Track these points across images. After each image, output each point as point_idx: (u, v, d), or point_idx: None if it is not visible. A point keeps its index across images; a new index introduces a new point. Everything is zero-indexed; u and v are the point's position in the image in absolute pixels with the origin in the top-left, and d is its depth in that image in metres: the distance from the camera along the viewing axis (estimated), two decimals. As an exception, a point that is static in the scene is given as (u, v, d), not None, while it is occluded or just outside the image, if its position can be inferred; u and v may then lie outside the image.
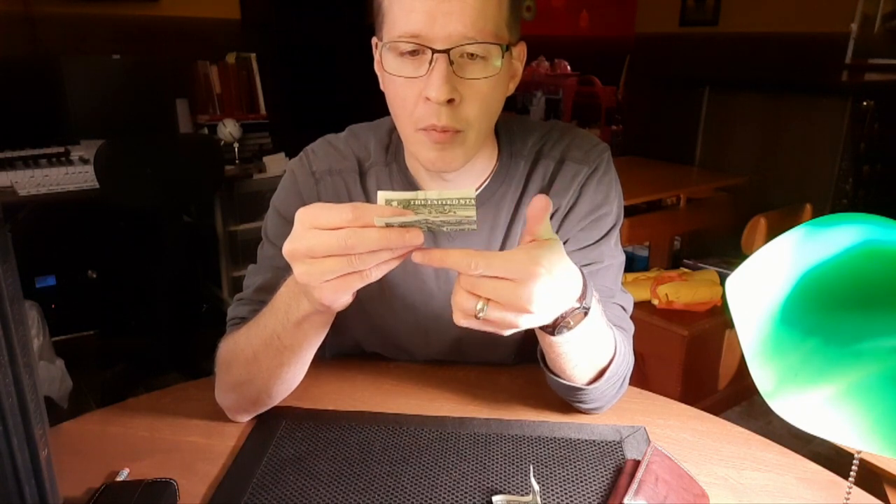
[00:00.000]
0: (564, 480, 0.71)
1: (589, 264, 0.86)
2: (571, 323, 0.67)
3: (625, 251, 0.92)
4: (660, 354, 2.14)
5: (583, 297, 0.65)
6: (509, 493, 0.69)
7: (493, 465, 0.73)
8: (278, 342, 0.72)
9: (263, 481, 0.71)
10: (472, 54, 0.73)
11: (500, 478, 0.71)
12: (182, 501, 0.68)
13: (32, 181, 2.28)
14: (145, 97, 2.72)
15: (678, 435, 0.81)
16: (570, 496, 0.69)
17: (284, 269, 0.65)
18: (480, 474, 0.72)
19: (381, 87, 0.80)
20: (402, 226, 0.57)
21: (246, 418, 0.82)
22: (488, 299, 0.58)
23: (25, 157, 2.45)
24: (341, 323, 0.77)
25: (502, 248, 0.89)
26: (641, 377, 2.16)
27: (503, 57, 0.74)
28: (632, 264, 2.86)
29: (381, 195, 0.57)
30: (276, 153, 2.90)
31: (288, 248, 0.59)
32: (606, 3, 4.87)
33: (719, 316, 2.20)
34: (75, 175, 2.37)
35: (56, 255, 2.76)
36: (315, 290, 0.60)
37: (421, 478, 0.71)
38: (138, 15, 2.94)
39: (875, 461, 1.09)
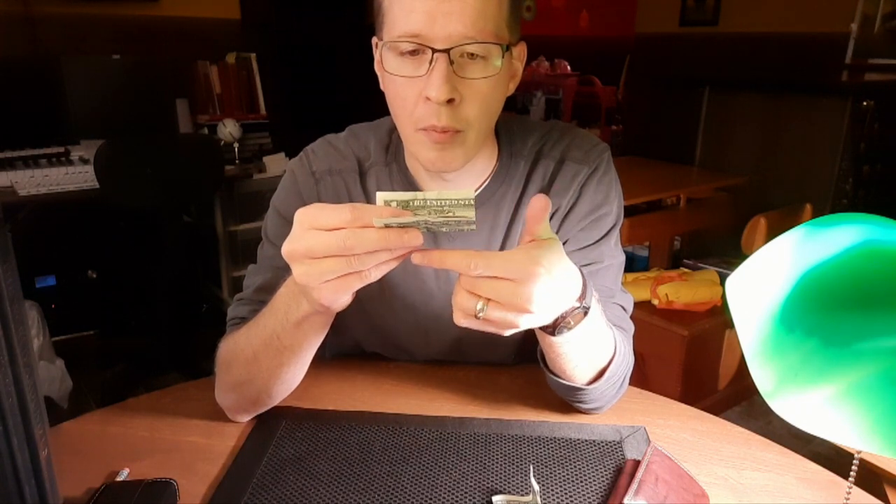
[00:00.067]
0: (564, 480, 0.71)
1: (589, 264, 0.86)
2: (571, 323, 0.67)
3: (625, 251, 0.92)
4: (660, 354, 2.14)
5: (582, 296, 0.65)
6: (509, 493, 0.69)
7: (493, 465, 0.73)
8: (278, 342, 0.72)
9: (263, 481, 0.71)
10: (472, 54, 0.73)
11: (500, 478, 0.71)
12: (182, 501, 0.68)
13: (32, 181, 2.28)
14: (145, 97, 2.72)
15: (678, 435, 0.81)
16: (570, 496, 0.69)
17: (284, 269, 0.65)
18: (480, 474, 0.72)
19: (381, 86, 0.80)
20: (401, 226, 0.57)
21: (246, 418, 0.82)
22: (488, 299, 0.58)
23: (25, 157, 2.45)
24: (341, 323, 0.77)
25: (502, 248, 0.89)
26: (641, 377, 2.16)
27: (503, 57, 0.74)
28: (632, 264, 2.86)
29: (380, 196, 0.57)
30: (276, 153, 2.90)
31: (287, 248, 0.59)
32: (606, 3, 4.87)
33: (719, 316, 2.20)
34: (75, 175, 2.37)
35: (56, 255, 2.76)
36: (314, 290, 0.60)
37: (421, 478, 0.71)
38: (138, 15, 2.94)
39: (875, 461, 1.09)
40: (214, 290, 3.09)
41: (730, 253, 2.52)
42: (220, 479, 0.71)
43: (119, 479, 0.70)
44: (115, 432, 0.81)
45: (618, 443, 0.78)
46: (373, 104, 0.95)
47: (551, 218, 0.86)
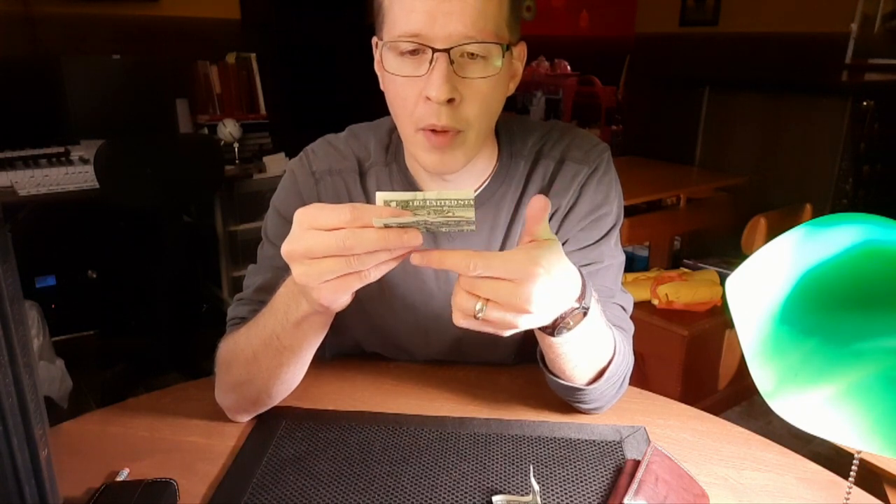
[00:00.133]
0: (564, 480, 0.71)
1: (589, 264, 0.86)
2: (571, 323, 0.67)
3: (625, 251, 0.92)
4: (660, 354, 2.14)
5: (582, 297, 0.65)
6: (509, 493, 0.69)
7: (493, 465, 0.73)
8: (278, 342, 0.72)
9: (263, 481, 0.71)
10: (472, 54, 0.73)
11: (500, 478, 0.71)
12: (182, 501, 0.68)
13: (32, 181, 2.28)
14: (145, 97, 2.72)
15: (678, 435, 0.81)
16: (570, 496, 0.69)
17: (284, 269, 0.65)
18: (480, 474, 0.72)
19: (381, 86, 0.80)
20: (401, 226, 0.57)
21: (246, 418, 0.82)
22: (487, 300, 0.58)
23: (25, 157, 2.45)
24: (341, 323, 0.77)
25: (502, 248, 0.89)
26: (641, 377, 2.16)
27: (503, 57, 0.74)
28: (632, 264, 2.86)
29: (380, 196, 0.57)
30: (276, 153, 2.90)
31: (286, 248, 0.59)
32: (606, 3, 4.87)
33: (719, 316, 2.20)
34: (75, 175, 2.37)
35: (56, 255, 2.76)
36: (314, 290, 0.60)
37: (421, 478, 0.71)
38: (138, 15, 2.94)
39: (875, 461, 1.09)
40: (214, 290, 3.09)
41: (730, 253, 2.52)
42: (220, 479, 0.71)
43: (119, 479, 0.70)
44: (115, 432, 0.81)
45: (618, 443, 0.78)
46: (373, 104, 0.95)
47: (551, 218, 0.86)
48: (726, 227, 2.57)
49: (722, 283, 2.20)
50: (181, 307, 2.80)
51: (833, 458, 0.86)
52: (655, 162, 3.10)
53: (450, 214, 0.56)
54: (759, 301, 0.53)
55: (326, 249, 0.57)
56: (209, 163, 2.51)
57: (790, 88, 2.85)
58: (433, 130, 0.75)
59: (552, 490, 0.69)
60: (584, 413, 0.84)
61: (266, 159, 2.84)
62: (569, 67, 4.68)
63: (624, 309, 0.89)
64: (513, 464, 0.74)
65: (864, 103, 2.59)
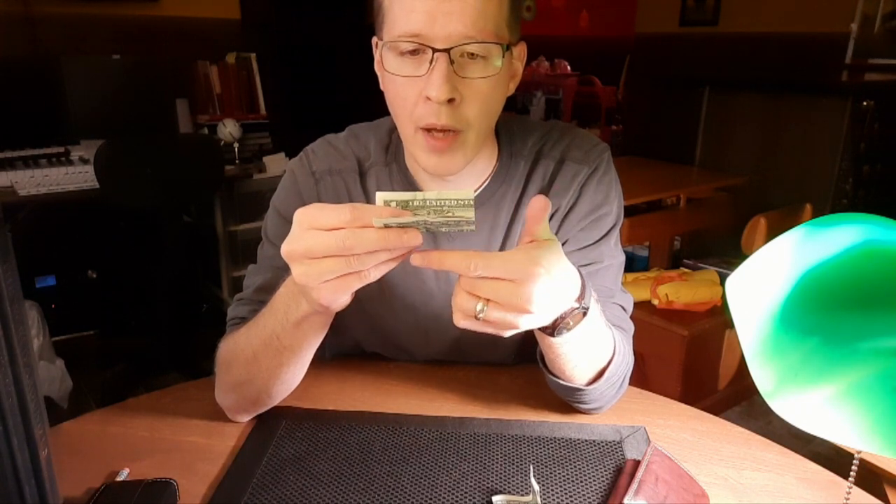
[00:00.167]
0: (564, 480, 0.71)
1: (589, 264, 0.86)
2: (571, 324, 0.67)
3: (625, 251, 0.92)
4: (660, 354, 2.14)
5: (581, 297, 0.65)
6: (509, 493, 0.69)
7: (493, 465, 0.73)
8: (277, 342, 0.72)
9: (263, 481, 0.71)
10: (472, 54, 0.73)
11: (500, 478, 0.71)
12: (182, 501, 0.68)
13: (32, 181, 2.28)
14: (145, 97, 2.72)
15: (678, 435, 0.81)
16: (570, 496, 0.69)
17: (284, 269, 0.65)
18: (480, 474, 0.72)
19: (381, 86, 0.80)
20: (401, 226, 0.57)
21: (246, 418, 0.82)
22: (488, 300, 0.58)
23: (25, 157, 2.45)
24: (341, 323, 0.77)
25: (502, 248, 0.89)
26: (641, 377, 2.16)
27: (503, 57, 0.74)
28: (632, 264, 2.86)
29: (380, 196, 0.57)
30: (276, 153, 2.90)
31: (286, 248, 0.59)
32: (606, 3, 4.87)
33: (719, 316, 2.20)
34: (75, 175, 2.37)
35: (56, 255, 2.76)
36: (313, 290, 0.60)
37: (421, 478, 0.71)
38: (138, 15, 2.94)
39: (875, 461, 1.09)
40: (214, 290, 3.09)
41: (730, 253, 2.52)
42: (220, 479, 0.71)
43: (119, 479, 0.70)
44: (115, 432, 0.81)
45: (618, 443, 0.78)
46: (373, 104, 0.95)
47: (551, 218, 0.86)
48: (726, 227, 2.57)
49: (722, 283, 2.20)
50: (181, 307, 2.80)
51: (833, 458, 0.86)
52: (655, 162, 3.10)
53: (450, 214, 0.56)
54: (759, 301, 0.53)
55: (326, 249, 0.57)
56: (209, 163, 2.51)
57: (790, 88, 2.85)
58: (433, 133, 0.75)
59: (552, 490, 0.69)
60: (584, 413, 0.84)
61: (266, 159, 2.84)
62: (569, 67, 4.68)
63: (624, 309, 0.89)
64: (513, 464, 0.73)
65: (864, 103, 2.59)
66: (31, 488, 0.44)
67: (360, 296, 0.64)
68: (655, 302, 2.22)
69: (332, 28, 3.72)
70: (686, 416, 0.86)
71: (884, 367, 0.48)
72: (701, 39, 4.06)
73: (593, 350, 0.75)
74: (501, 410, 0.85)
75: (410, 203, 0.56)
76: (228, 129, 2.84)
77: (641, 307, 2.19)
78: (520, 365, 0.95)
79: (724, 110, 2.99)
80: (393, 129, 0.89)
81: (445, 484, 0.70)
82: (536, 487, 0.66)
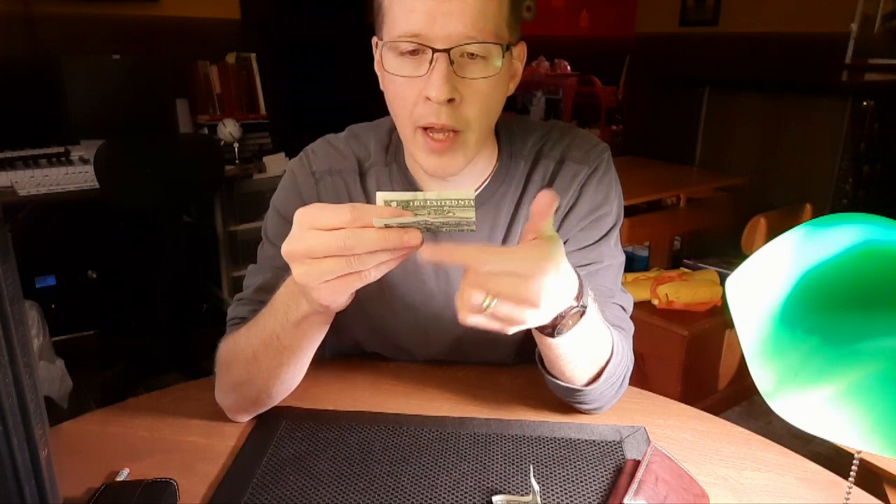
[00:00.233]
0: (564, 480, 0.71)
1: (589, 264, 0.86)
2: (570, 323, 0.67)
3: (625, 251, 0.92)
4: (660, 354, 2.14)
5: (580, 295, 0.65)
6: (509, 493, 0.69)
7: (493, 465, 0.73)
8: (278, 342, 0.72)
9: (263, 481, 0.71)
10: (472, 54, 0.73)
11: (500, 478, 0.71)
12: (182, 501, 0.68)
13: (32, 181, 2.28)
14: (145, 97, 2.72)
15: (678, 435, 0.81)
16: (570, 496, 0.69)
17: (284, 269, 0.65)
18: (480, 474, 0.72)
19: (381, 86, 0.80)
20: (401, 227, 0.57)
21: (246, 418, 0.82)
22: (496, 296, 0.58)
23: (25, 157, 2.45)
24: (341, 323, 0.77)
25: (502, 247, 0.89)
26: (641, 377, 2.16)
27: (503, 57, 0.74)
28: (632, 264, 2.86)
29: (380, 196, 0.57)
30: (276, 153, 2.90)
31: (287, 248, 0.59)
32: (606, 3, 4.87)
33: (719, 316, 2.20)
34: (75, 175, 2.37)
35: (56, 255, 2.76)
36: (314, 290, 0.60)
37: (421, 478, 0.71)
38: (138, 15, 2.94)
39: (875, 461, 1.09)
40: (214, 290, 3.09)
41: (730, 253, 2.52)
42: (220, 479, 0.71)
43: (119, 479, 0.70)
44: (115, 432, 0.81)
45: (618, 443, 0.78)
46: (373, 104, 0.95)
47: (551, 218, 0.86)
48: (726, 227, 2.57)
49: (722, 283, 2.20)
50: (181, 307, 2.80)
51: (833, 458, 0.86)
52: (655, 162, 3.10)
53: (450, 215, 0.56)
54: (759, 301, 0.53)
55: (327, 249, 0.57)
56: (209, 163, 2.51)
57: (790, 88, 2.85)
58: (433, 133, 0.75)
59: (552, 490, 0.69)
60: (585, 413, 0.84)
61: (266, 159, 2.84)
62: (569, 67, 4.68)
63: (624, 309, 0.89)
64: (513, 464, 0.74)
65: (864, 103, 2.59)
66: (31, 488, 0.44)
67: (360, 296, 0.64)
68: (655, 302, 2.22)
69: (332, 28, 3.72)
70: (686, 416, 0.86)
71: (884, 367, 0.48)
72: (701, 39, 4.06)
73: (592, 350, 0.75)
74: (501, 410, 0.85)
75: (411, 203, 0.56)
76: (228, 129, 2.84)
77: (641, 307, 2.19)
78: (520, 365, 0.95)
79: (724, 110, 2.99)
80: (393, 129, 0.89)
81: (445, 484, 0.70)
82: (536, 487, 0.66)
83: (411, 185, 0.88)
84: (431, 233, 0.61)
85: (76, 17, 2.77)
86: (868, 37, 3.39)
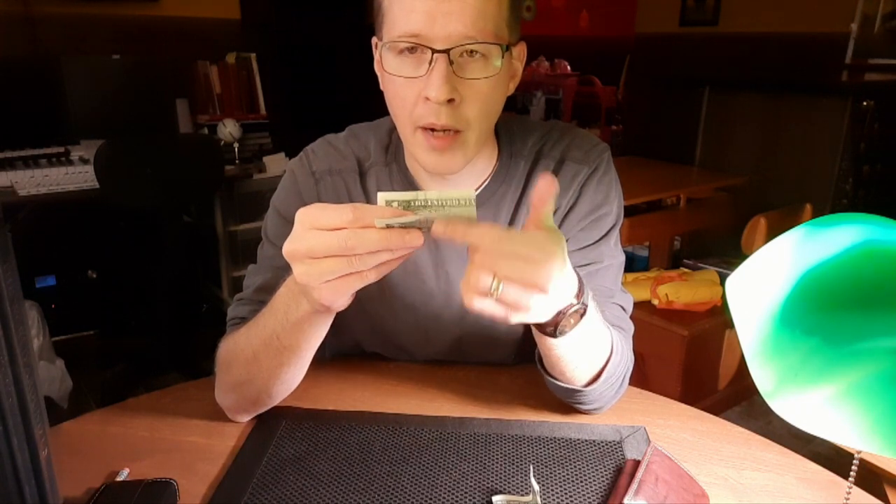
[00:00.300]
0: (564, 480, 0.71)
1: (589, 264, 0.86)
2: (572, 321, 0.67)
3: (625, 251, 0.92)
4: (660, 354, 2.14)
5: (580, 293, 0.65)
6: (509, 493, 0.69)
7: (493, 465, 0.73)
8: (278, 342, 0.72)
9: (263, 481, 0.71)
10: (471, 52, 0.73)
11: (500, 478, 0.71)
12: (182, 501, 0.68)
13: (32, 181, 2.28)
14: (145, 97, 2.72)
15: (678, 435, 0.81)
16: (570, 496, 0.69)
17: (284, 269, 0.65)
18: (480, 474, 0.72)
19: (381, 86, 0.80)
20: (403, 227, 0.57)
21: (246, 418, 0.82)
22: (503, 280, 0.57)
23: (25, 157, 2.45)
24: (341, 323, 0.77)
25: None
26: (641, 377, 2.16)
27: (503, 57, 0.74)
28: (632, 264, 2.86)
29: (381, 196, 0.57)
30: (276, 153, 2.90)
31: (288, 248, 0.59)
32: (606, 3, 4.87)
33: (719, 316, 2.20)
34: (75, 175, 2.37)
35: (56, 255, 2.76)
36: (314, 290, 0.60)
37: (421, 478, 0.71)
38: (138, 15, 2.94)
39: (875, 461, 1.09)
40: (214, 290, 3.09)
41: (730, 253, 2.52)
42: (220, 479, 0.71)
43: (119, 479, 0.70)
44: (115, 432, 0.81)
45: (618, 443, 0.78)
46: (373, 104, 0.95)
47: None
48: (726, 227, 2.57)
49: (722, 283, 2.20)
50: (181, 307, 2.80)
51: (833, 458, 0.86)
52: (655, 162, 3.10)
53: (451, 214, 0.56)
54: (759, 301, 0.53)
55: (328, 249, 0.57)
56: (209, 163, 2.51)
57: (790, 88, 2.85)
58: (433, 131, 0.75)
59: (552, 490, 0.69)
60: (585, 413, 0.84)
61: (266, 159, 2.84)
62: (569, 67, 4.68)
63: (624, 309, 0.89)
64: (513, 464, 0.74)
65: (864, 103, 2.59)
66: (31, 488, 0.44)
67: (360, 296, 0.64)
68: (655, 302, 2.22)
69: (332, 28, 3.72)
70: (686, 416, 0.86)
71: (884, 367, 0.48)
72: (701, 39, 4.06)
73: (592, 350, 0.75)
74: (501, 410, 0.85)
75: (412, 203, 0.56)
76: (228, 129, 2.84)
77: (641, 307, 2.19)
78: (520, 365, 0.95)
79: (724, 110, 2.99)
80: (393, 129, 0.89)
81: (445, 484, 0.70)
82: (536, 487, 0.66)
83: (411, 185, 0.88)
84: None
85: (76, 17, 2.77)
86: (868, 37, 3.39)
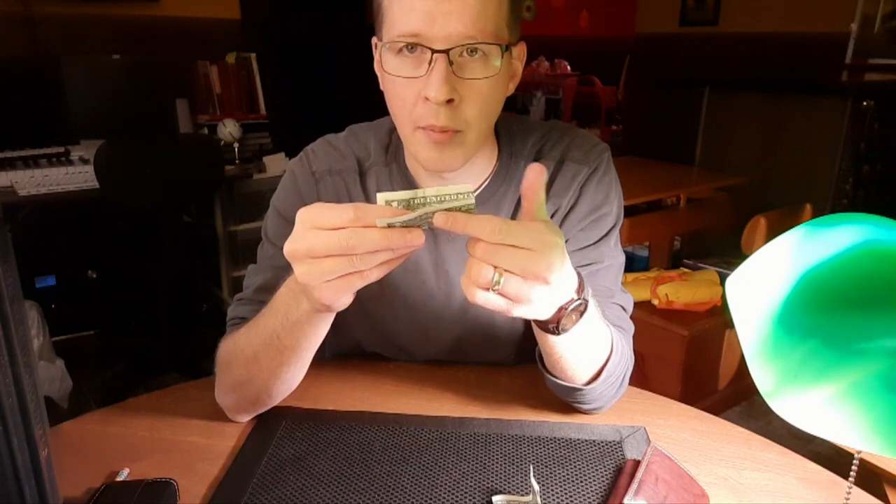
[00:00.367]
0: (564, 480, 0.71)
1: (589, 264, 0.86)
2: (574, 318, 0.67)
3: (625, 251, 0.92)
4: (660, 354, 2.14)
5: (580, 289, 0.65)
6: (509, 493, 0.69)
7: (493, 465, 0.73)
8: (278, 342, 0.72)
9: (263, 481, 0.71)
10: (472, 51, 0.73)
11: (500, 478, 0.71)
12: (182, 501, 0.68)
13: (32, 181, 2.28)
14: (145, 97, 2.72)
15: (678, 435, 0.81)
16: (570, 496, 0.69)
17: (284, 269, 0.65)
18: (480, 474, 0.72)
19: (381, 86, 0.80)
20: (404, 225, 0.57)
21: (246, 418, 0.82)
22: (505, 271, 0.57)
23: (25, 157, 2.45)
24: (341, 322, 0.77)
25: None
26: (641, 377, 2.16)
27: (503, 57, 0.74)
28: (632, 264, 2.86)
29: (381, 196, 0.57)
30: (276, 153, 2.90)
31: (289, 247, 0.59)
32: (606, 3, 4.87)
33: (719, 316, 2.20)
34: (75, 175, 2.37)
35: (56, 255, 2.76)
36: (315, 290, 0.60)
37: (421, 478, 0.71)
38: (138, 15, 2.95)
39: (875, 461, 1.09)
40: (214, 290, 3.09)
41: (730, 253, 2.52)
42: (220, 479, 0.71)
43: (119, 479, 0.70)
44: (115, 432, 0.81)
45: (618, 443, 0.78)
46: (373, 104, 0.95)
47: (551, 217, 0.86)
48: (726, 227, 2.57)
49: (722, 283, 2.20)
50: (181, 307, 2.80)
51: (833, 458, 0.86)
52: (655, 162, 3.10)
53: (451, 208, 0.56)
54: (759, 301, 0.53)
55: (329, 249, 0.57)
56: (209, 163, 2.51)
57: (790, 88, 2.85)
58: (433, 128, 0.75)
59: (552, 490, 0.69)
60: (585, 413, 0.84)
61: (266, 159, 2.84)
62: (569, 67, 4.68)
63: (624, 309, 0.89)
64: (513, 464, 0.74)
65: (864, 103, 2.59)
66: (31, 488, 0.44)
67: (360, 295, 0.64)
68: (655, 302, 2.22)
69: (332, 28, 3.72)
70: (686, 416, 0.86)
71: (884, 367, 0.48)
72: (701, 39, 4.06)
73: (592, 348, 0.75)
74: (501, 410, 0.85)
75: (412, 201, 0.57)
76: (228, 129, 2.84)
77: (641, 307, 2.19)
78: (520, 365, 0.95)
79: (724, 110, 2.99)
80: (393, 129, 0.89)
81: (445, 484, 0.70)
82: (536, 487, 0.66)
83: (411, 185, 0.88)
84: (433, 230, 0.61)
85: (76, 17, 2.77)
86: (868, 37, 3.39)
